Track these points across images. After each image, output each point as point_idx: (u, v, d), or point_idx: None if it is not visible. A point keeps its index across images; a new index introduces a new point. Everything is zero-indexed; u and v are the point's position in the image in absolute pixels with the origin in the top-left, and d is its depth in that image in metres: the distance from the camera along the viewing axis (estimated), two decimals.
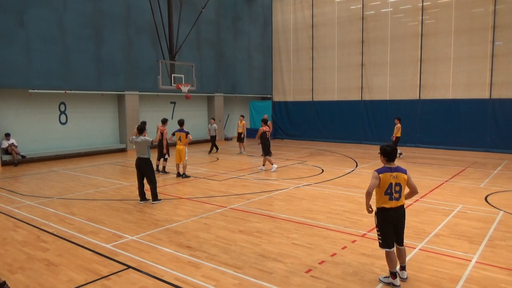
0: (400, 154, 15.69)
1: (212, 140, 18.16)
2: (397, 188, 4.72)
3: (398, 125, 15.12)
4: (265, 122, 13.54)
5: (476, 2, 17.41)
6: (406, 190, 4.90)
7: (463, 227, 6.88)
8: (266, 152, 13.13)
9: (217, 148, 18.31)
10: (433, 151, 17.79)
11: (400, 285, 4.69)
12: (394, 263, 4.73)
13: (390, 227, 4.77)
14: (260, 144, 13.32)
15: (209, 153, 17.83)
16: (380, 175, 4.72)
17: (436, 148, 18.50)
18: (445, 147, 18.36)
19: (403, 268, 4.91)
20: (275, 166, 12.98)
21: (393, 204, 4.73)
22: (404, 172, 4.80)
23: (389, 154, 4.84)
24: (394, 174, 4.73)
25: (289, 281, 4.85)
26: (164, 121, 12.60)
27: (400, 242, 4.84)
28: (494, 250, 5.81)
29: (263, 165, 13.40)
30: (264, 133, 13.18)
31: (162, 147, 12.47)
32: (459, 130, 18.06)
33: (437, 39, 18.49)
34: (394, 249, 4.78)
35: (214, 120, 18.95)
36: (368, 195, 4.80)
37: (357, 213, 7.80)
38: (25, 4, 15.24)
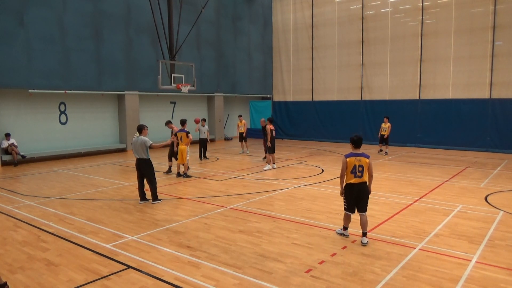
0: (385, 152, 17.02)
1: (203, 144, 16.05)
2: (360, 169, 6.07)
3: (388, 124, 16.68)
4: (270, 121, 13.88)
5: (476, 2, 17.41)
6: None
7: (463, 227, 6.88)
8: (271, 150, 13.32)
9: (205, 155, 16.18)
10: (433, 151, 17.79)
11: (348, 235, 6.32)
12: (348, 221, 6.31)
13: (354, 197, 6.15)
14: (269, 143, 13.46)
15: (201, 159, 16.06)
16: (346, 159, 6.11)
17: (436, 148, 18.50)
18: (445, 147, 18.36)
19: (364, 234, 6.18)
20: (270, 166, 13.28)
21: (356, 180, 6.09)
22: (367, 157, 6.14)
23: (355, 142, 6.23)
24: (358, 158, 6.08)
25: (289, 281, 4.85)
26: (170, 122, 12.53)
27: (363, 210, 6.19)
28: (494, 250, 5.81)
29: (268, 163, 13.52)
30: (270, 131, 13.41)
31: (175, 149, 12.40)
32: (459, 130, 18.07)
33: (437, 39, 18.49)
34: (353, 214, 6.24)
35: (205, 121, 16.54)
36: (341, 178, 6.25)
37: (357, 213, 7.79)
38: (25, 4, 15.24)
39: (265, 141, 15.63)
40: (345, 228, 6.42)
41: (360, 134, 6.33)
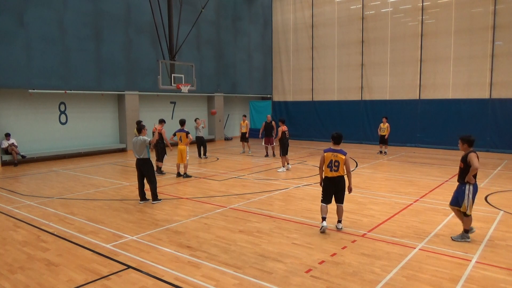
0: (384, 152, 16.96)
1: (202, 142, 16.39)
2: (336, 164, 6.54)
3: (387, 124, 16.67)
4: (283, 122, 13.61)
5: (476, 2, 17.41)
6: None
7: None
8: (284, 152, 13.08)
9: (205, 153, 16.47)
10: (433, 151, 17.78)
11: (327, 226, 6.63)
12: (324, 212, 6.67)
13: (331, 190, 6.66)
14: (279, 144, 13.33)
15: (200, 157, 16.42)
16: (324, 153, 6.65)
17: (436, 148, 18.49)
18: (445, 147, 18.34)
19: (339, 221, 6.80)
20: (284, 169, 13.00)
21: (332, 174, 6.57)
22: (343, 153, 6.55)
23: (334, 139, 6.71)
24: (335, 154, 6.56)
25: (289, 281, 4.86)
26: (161, 121, 12.66)
27: (339, 201, 6.71)
28: (494, 250, 5.81)
29: (283, 166, 13.21)
30: (283, 132, 13.19)
31: (160, 148, 12.38)
32: (459, 130, 17.81)
33: (437, 39, 18.48)
34: (328, 205, 6.70)
35: (199, 120, 16.72)
36: (319, 170, 6.82)
37: (357, 213, 7.81)
38: (25, 4, 15.24)
39: (271, 138, 15.92)
40: (323, 219, 6.65)
41: (340, 132, 6.79)
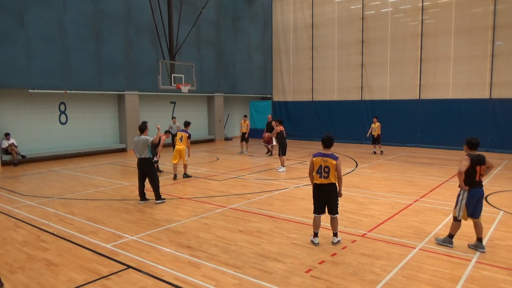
0: (380, 151, 17.10)
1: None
2: (326, 169, 5.92)
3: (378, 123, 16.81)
4: (280, 122, 13.56)
5: (476, 2, 17.41)
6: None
7: (463, 227, 6.83)
8: (283, 151, 13.04)
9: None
10: (433, 151, 17.78)
11: (318, 243, 6.05)
12: (317, 226, 6.08)
13: (320, 198, 6.04)
14: (277, 144, 13.32)
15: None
16: (313, 158, 6.06)
17: (436, 148, 18.49)
18: (445, 147, 18.35)
19: (335, 234, 6.12)
20: (284, 168, 12.94)
21: (322, 181, 5.96)
22: (334, 158, 5.93)
23: (323, 142, 6.17)
24: (325, 158, 5.95)
25: (289, 281, 4.86)
26: (167, 132, 12.67)
27: (333, 212, 6.03)
28: (494, 250, 5.81)
29: (282, 165, 13.13)
30: (281, 132, 13.15)
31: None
32: (459, 130, 18.03)
33: (437, 39, 18.49)
34: (321, 216, 6.08)
35: (175, 118, 18.17)
36: (309, 176, 6.18)
37: (357, 213, 7.81)
38: (25, 4, 15.24)
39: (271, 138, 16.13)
40: (315, 234, 6.13)
41: (331, 134, 6.22)
